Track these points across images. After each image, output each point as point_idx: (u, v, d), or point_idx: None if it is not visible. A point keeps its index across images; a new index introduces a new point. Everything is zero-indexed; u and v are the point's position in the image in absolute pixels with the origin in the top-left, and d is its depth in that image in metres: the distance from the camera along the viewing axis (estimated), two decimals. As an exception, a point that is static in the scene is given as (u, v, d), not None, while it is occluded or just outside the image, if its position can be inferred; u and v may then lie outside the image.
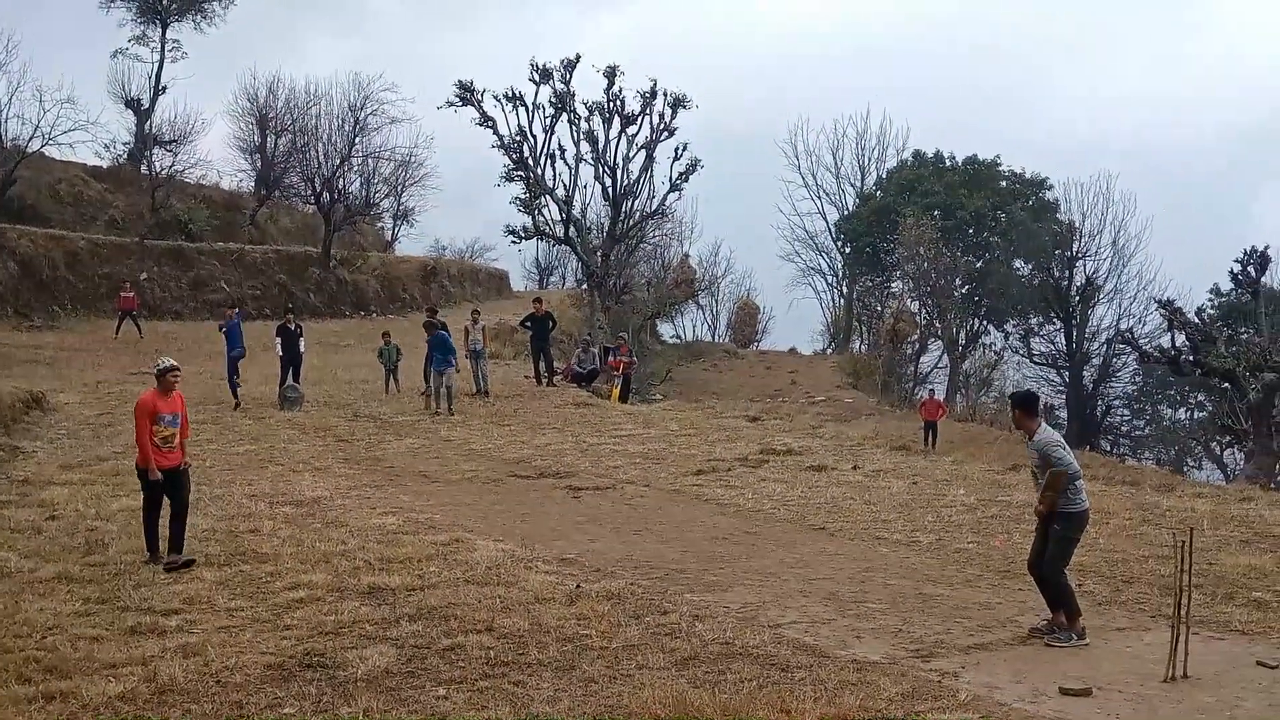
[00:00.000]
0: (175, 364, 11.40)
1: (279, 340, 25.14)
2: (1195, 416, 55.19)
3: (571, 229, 39.96)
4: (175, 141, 46.76)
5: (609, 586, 10.14)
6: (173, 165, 45.74)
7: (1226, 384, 37.22)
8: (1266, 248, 37.83)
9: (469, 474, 17.04)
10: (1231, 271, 39.01)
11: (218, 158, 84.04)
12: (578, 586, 10.03)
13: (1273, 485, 29.43)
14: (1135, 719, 6.89)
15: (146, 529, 11.22)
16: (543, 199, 39.46)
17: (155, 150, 46.14)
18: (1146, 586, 10.67)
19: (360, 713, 6.85)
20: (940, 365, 58.41)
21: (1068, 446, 9.35)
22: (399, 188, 52.75)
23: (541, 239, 42.60)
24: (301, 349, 24.71)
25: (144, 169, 46.14)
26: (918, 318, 54.92)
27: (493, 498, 15.25)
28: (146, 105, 48.27)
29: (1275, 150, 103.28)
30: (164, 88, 48.64)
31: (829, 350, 59.61)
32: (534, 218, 39.59)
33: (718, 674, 7.65)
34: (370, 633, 8.70)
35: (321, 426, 21.15)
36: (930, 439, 27.81)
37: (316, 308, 42.26)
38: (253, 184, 51.00)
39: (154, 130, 47.24)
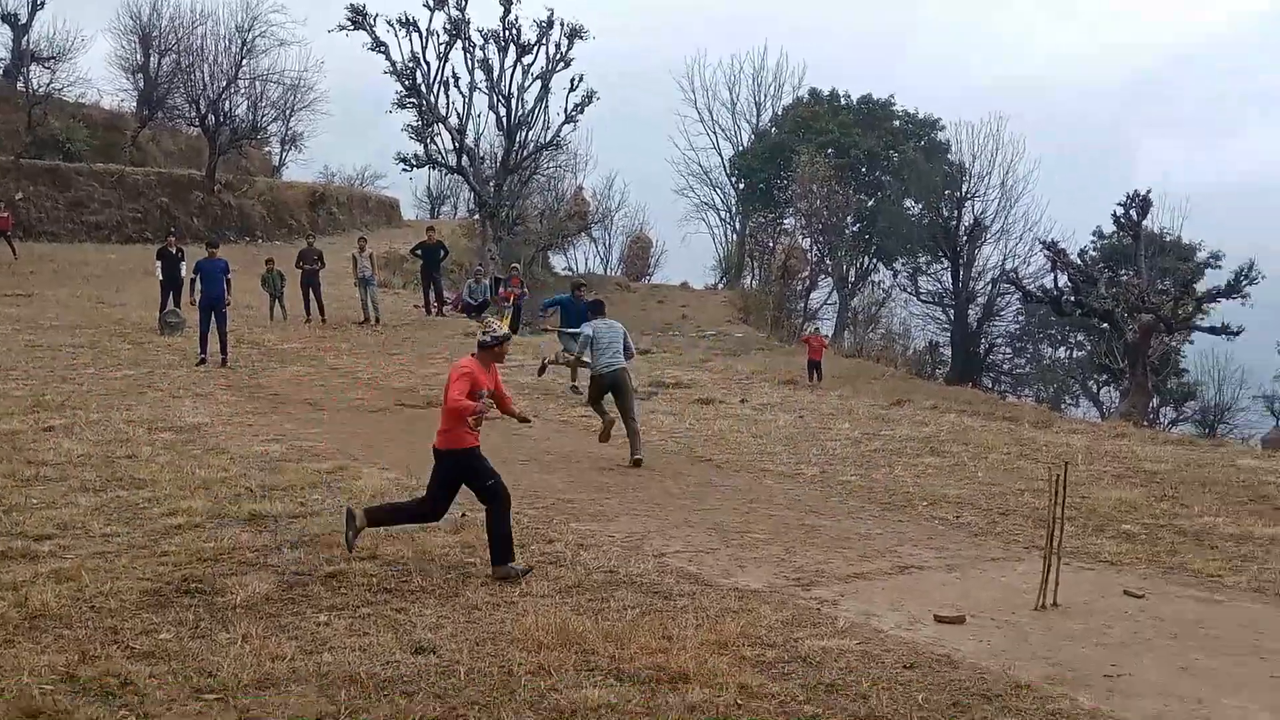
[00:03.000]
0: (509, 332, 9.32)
1: (159, 264, 24.57)
2: (1074, 355, 56.64)
3: (464, 158, 39.47)
4: (54, 58, 45.12)
5: (495, 515, 10.10)
6: (51, 83, 44.27)
7: (1105, 324, 38.13)
8: (1149, 192, 38.59)
9: (355, 402, 16.86)
10: (1114, 214, 39.77)
11: (98, 76, 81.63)
12: (463, 515, 9.97)
13: (1145, 422, 30.35)
14: (1006, 645, 7.05)
15: None
16: (435, 127, 38.90)
17: (32, 67, 44.50)
18: (1021, 519, 10.93)
19: (239, 638, 6.75)
20: (830, 302, 59.12)
21: (597, 335, 13.64)
22: (287, 112, 51.55)
23: (433, 168, 42.10)
24: (183, 273, 24.09)
25: (20, 86, 44.46)
26: (809, 254, 55.40)
27: (379, 426, 15.10)
28: (24, 20, 46.31)
29: (1160, 98, 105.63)
30: (42, 2, 46.71)
31: (720, 285, 59.85)
32: (426, 146, 39.03)
33: (601, 601, 7.68)
34: (250, 559, 8.57)
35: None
36: (815, 376, 28.11)
37: (200, 232, 41.18)
38: (135, 104, 49.42)
39: (31, 46, 45.44)
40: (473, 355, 8.89)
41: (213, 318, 19.94)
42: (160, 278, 24.56)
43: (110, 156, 44.75)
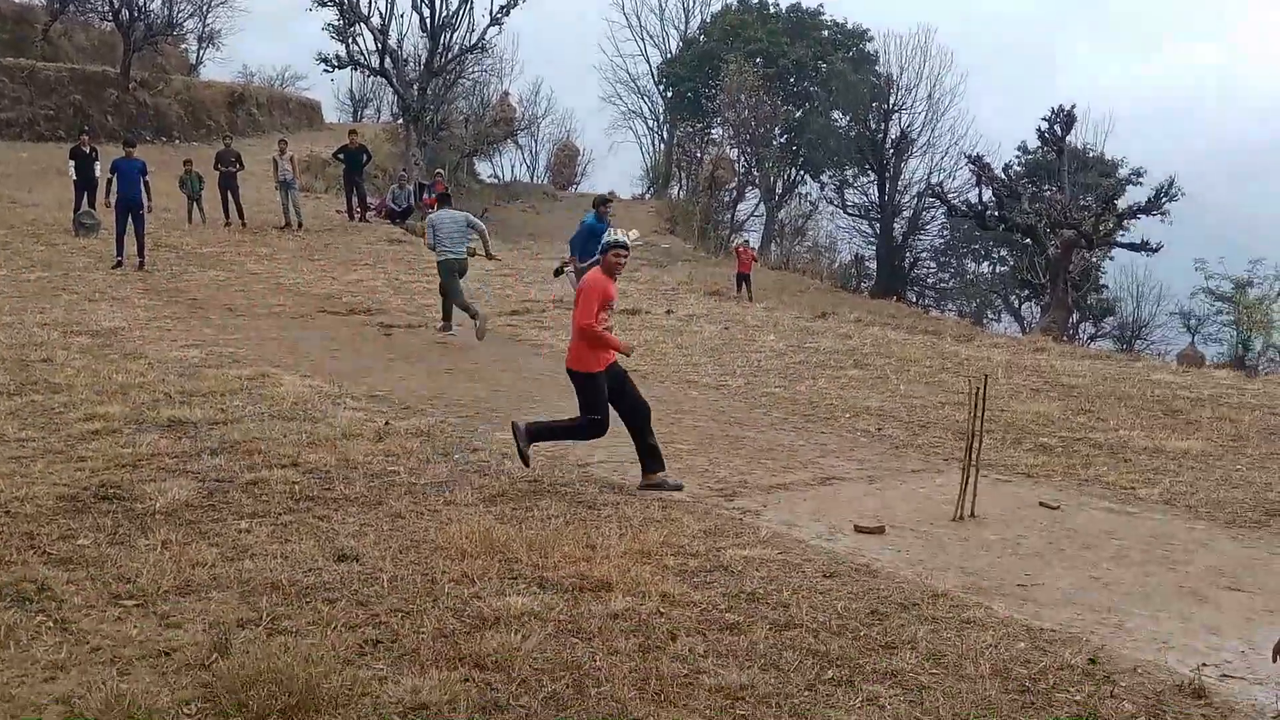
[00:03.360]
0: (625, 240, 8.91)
1: (73, 164, 23.94)
2: (997, 270, 57.23)
3: (387, 60, 38.69)
4: (-42, -53, 43.43)
5: (418, 424, 10.05)
6: (-45, -27, 42.56)
7: (1028, 239, 38.56)
8: (1073, 107, 38.87)
9: (276, 308, 16.65)
10: (1039, 129, 40.02)
11: (6, -34, 78.31)
12: (386, 423, 9.92)
13: (1065, 338, 30.86)
14: (924, 555, 7.17)
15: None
16: (357, 26, 38.03)
17: (-65, -44, 42.80)
18: (942, 431, 11.08)
19: (159, 545, 6.67)
20: (757, 214, 59.12)
21: (438, 225, 15.46)
22: (204, 8, 50.15)
23: (356, 69, 41.19)
24: (96, 173, 23.47)
25: (-78, -24, 42.78)
26: (736, 165, 55.23)
27: (301, 333, 14.93)
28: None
29: (1085, 11, 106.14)
30: (-57, -114, 44.80)
31: (647, 195, 59.60)
32: (348, 46, 38.18)
33: (525, 510, 7.68)
34: (170, 466, 8.44)
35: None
36: (745, 290, 28.17)
37: (115, 131, 40.06)
38: (45, -3, 47.79)
39: (-67, -67, 43.71)
40: (598, 266, 8.84)
41: (130, 219, 19.48)
42: (74, 178, 23.96)
43: (20, 51, 43.20)
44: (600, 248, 8.84)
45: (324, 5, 37.74)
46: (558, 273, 17.61)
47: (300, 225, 26.30)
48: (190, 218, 26.35)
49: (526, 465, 8.46)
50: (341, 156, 28.73)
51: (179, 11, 47.60)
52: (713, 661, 5.31)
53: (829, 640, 5.61)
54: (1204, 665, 5.47)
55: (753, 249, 33.75)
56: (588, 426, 8.68)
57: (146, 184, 20.00)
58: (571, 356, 8.80)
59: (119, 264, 19.34)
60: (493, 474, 8.61)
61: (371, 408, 10.67)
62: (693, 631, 5.67)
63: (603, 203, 16.38)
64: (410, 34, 40.55)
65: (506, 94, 57.00)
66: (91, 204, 23.48)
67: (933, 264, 60.16)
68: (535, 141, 62.11)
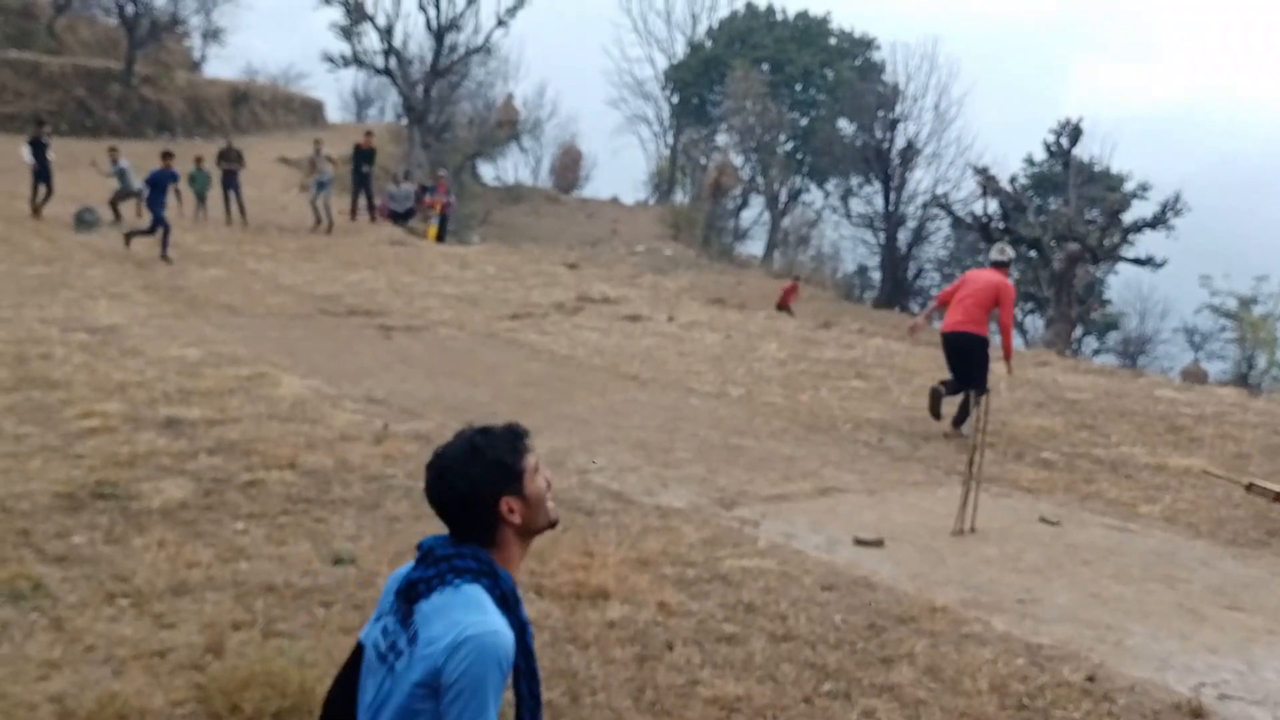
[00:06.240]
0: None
1: (29, 149, 23.73)
2: (1000, 284, 57.00)
3: (392, 60, 38.73)
4: (-38, -59, 43.46)
5: (417, 427, 10.02)
6: (-40, -33, 42.63)
7: (1033, 252, 38.49)
8: (1080, 120, 38.87)
9: (276, 308, 16.61)
10: (1045, 142, 40.05)
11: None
12: (385, 426, 9.89)
13: (1068, 351, 30.80)
14: (923, 569, 7.13)
15: None
16: (362, 25, 38.08)
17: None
18: (943, 444, 11.04)
19: (154, 544, 6.64)
20: (760, 221, 59.06)
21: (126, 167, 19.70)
22: (208, 4, 50.21)
23: (360, 68, 41.27)
24: (49, 159, 23.45)
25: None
26: (741, 172, 55.23)
27: (300, 334, 14.89)
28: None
29: (1092, 23, 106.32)
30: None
31: (651, 201, 59.57)
32: (353, 45, 38.25)
33: (523, 516, 7.62)
34: (167, 465, 8.40)
35: (120, 252, 20.28)
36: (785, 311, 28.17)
37: (117, 127, 40.04)
38: (49, -10, 47.82)
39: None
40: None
41: None
42: (34, 164, 23.80)
43: (25, 45, 43.22)
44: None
45: (329, 3, 37.83)
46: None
47: (320, 223, 26.20)
48: (195, 215, 26.34)
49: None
50: (360, 158, 28.52)
51: (183, 7, 47.66)
52: (709, 672, 5.28)
53: (826, 653, 5.58)
54: (1203, 685, 5.45)
55: (798, 281, 33.63)
56: None
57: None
58: None
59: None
60: (491, 479, 8.55)
61: (370, 410, 10.63)
62: (690, 641, 5.64)
63: None
64: (415, 34, 40.67)
65: (511, 96, 57.11)
66: (49, 191, 23.55)
67: (937, 275, 59.91)
68: (539, 144, 62.05)
